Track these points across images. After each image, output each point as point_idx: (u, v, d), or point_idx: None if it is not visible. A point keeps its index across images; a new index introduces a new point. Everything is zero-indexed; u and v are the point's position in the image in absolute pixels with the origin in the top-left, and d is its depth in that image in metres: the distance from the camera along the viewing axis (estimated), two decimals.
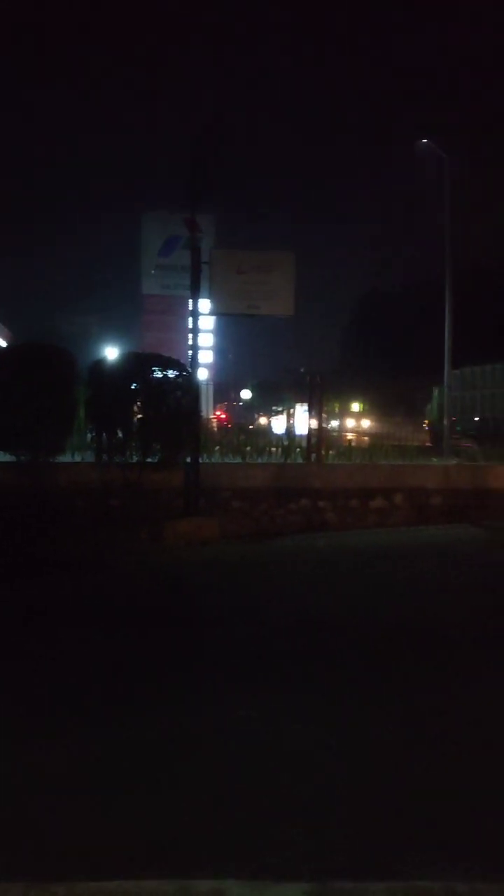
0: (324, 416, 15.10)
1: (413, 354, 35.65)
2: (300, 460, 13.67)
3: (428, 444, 16.09)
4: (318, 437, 13.63)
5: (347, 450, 14.61)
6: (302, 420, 14.70)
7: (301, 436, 14.73)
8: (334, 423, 19.91)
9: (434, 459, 14.22)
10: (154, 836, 3.21)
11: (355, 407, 47.57)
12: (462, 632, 6.52)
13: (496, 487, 13.29)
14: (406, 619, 6.98)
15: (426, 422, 21.14)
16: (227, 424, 24.85)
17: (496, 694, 5.03)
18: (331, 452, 14.12)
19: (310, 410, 13.83)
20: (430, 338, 16.56)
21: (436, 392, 20.41)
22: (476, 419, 15.69)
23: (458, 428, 19.16)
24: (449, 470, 13.53)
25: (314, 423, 13.73)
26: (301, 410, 15.12)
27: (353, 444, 14.80)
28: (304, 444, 13.93)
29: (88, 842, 3.16)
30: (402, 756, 4.08)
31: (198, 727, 4.42)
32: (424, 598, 7.83)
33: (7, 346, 23.71)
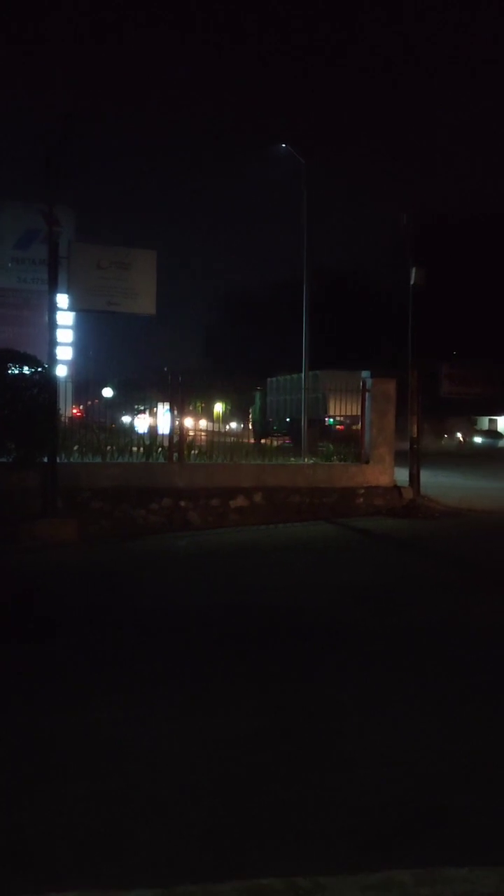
0: (187, 415, 15.07)
1: (275, 356, 36.36)
2: (162, 460, 13.59)
3: (251, 440, 17.22)
4: (180, 437, 13.60)
5: (209, 449, 14.67)
6: (165, 419, 14.60)
7: (164, 435, 14.64)
8: (204, 424, 20.27)
9: (292, 459, 14.54)
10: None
11: (218, 407, 47.86)
12: (317, 623, 6.72)
13: (349, 486, 13.79)
14: (264, 613, 7.09)
15: (250, 421, 22.80)
16: (85, 422, 24.32)
17: (347, 680, 5.21)
18: (193, 452, 14.12)
19: (171, 410, 13.77)
20: (290, 340, 17.01)
21: (257, 395, 22.29)
22: (287, 420, 17.87)
23: (275, 427, 20.84)
24: (306, 469, 13.90)
25: (176, 423, 13.69)
26: (164, 409, 14.99)
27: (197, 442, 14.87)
28: (165, 443, 13.85)
29: None
30: (253, 748, 4.12)
31: (53, 730, 4.28)
32: (282, 594, 7.99)
33: None
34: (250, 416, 21.15)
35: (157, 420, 17.45)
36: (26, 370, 11.46)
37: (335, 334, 34.52)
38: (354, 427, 14.74)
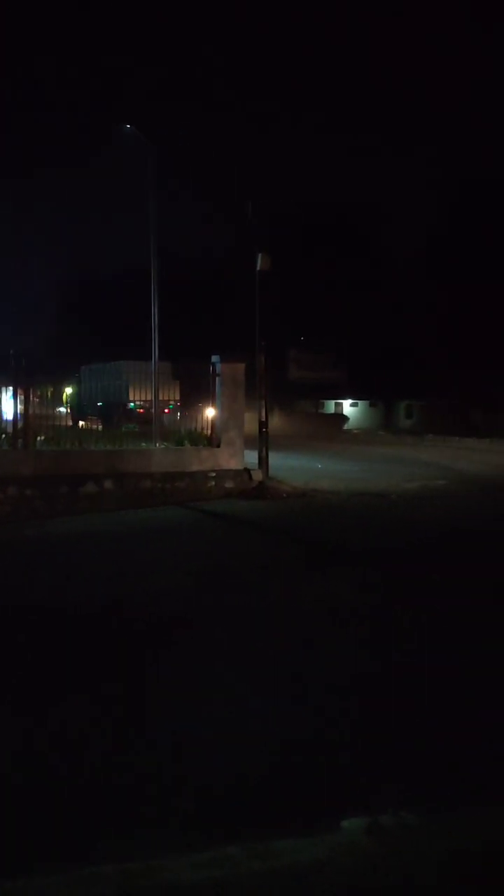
0: (35, 400, 14.58)
1: (128, 342, 35.85)
2: (6, 447, 13.09)
3: (69, 424, 18.34)
4: (25, 422, 13.16)
5: (56, 435, 14.28)
6: (8, 405, 14.04)
7: (7, 421, 14.09)
8: (62, 410, 20.14)
9: (143, 444, 14.45)
10: None
11: (69, 391, 46.53)
12: (170, 608, 6.75)
13: (201, 469, 13.90)
14: (114, 601, 7.03)
15: (67, 406, 23.46)
16: None
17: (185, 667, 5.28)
18: (39, 438, 13.69)
19: (15, 395, 13.27)
20: (144, 325, 16.90)
21: (74, 382, 23.01)
22: (99, 404, 19.16)
23: (88, 411, 21.84)
24: (157, 454, 13.85)
25: (21, 408, 13.22)
26: (8, 394, 14.42)
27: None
28: (9, 429, 13.35)
29: None
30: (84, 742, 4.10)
31: None
32: (130, 580, 7.96)
33: None
34: (66, 400, 21.80)
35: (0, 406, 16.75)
36: None
37: (188, 319, 34.53)
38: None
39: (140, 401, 17.43)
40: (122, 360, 20.73)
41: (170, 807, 3.32)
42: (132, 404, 18.63)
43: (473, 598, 7.00)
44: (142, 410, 17.15)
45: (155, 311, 15.46)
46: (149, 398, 15.63)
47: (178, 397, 19.08)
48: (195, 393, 15.83)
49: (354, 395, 43.33)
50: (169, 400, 17.91)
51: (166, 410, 17.20)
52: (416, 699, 4.63)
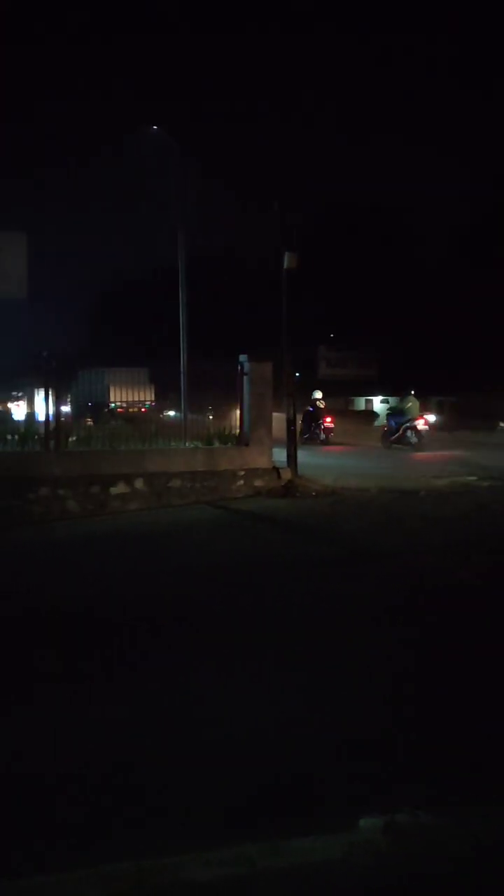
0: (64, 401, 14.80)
1: (155, 340, 36.07)
2: (38, 448, 13.27)
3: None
4: (57, 423, 13.32)
5: (87, 436, 14.43)
6: (40, 406, 14.25)
7: (39, 422, 14.28)
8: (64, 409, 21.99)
9: (172, 444, 14.55)
10: None
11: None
12: (196, 610, 6.81)
13: (229, 468, 13.96)
14: (147, 602, 7.12)
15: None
16: None
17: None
18: (71, 439, 13.85)
19: (46, 396, 13.44)
20: (170, 324, 17.13)
21: (73, 384, 24.70)
22: (90, 404, 21.66)
23: (83, 410, 23.71)
24: (186, 453, 13.94)
25: (52, 409, 13.39)
26: (41, 396, 14.67)
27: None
28: (41, 430, 13.53)
29: None
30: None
31: None
32: (165, 580, 8.04)
33: None
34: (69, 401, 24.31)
35: (34, 406, 16.97)
36: None
37: (214, 317, 34.65)
38: (132, 409, 19.93)
39: (119, 401, 21.11)
40: (104, 368, 24.96)
41: (185, 802, 3.37)
42: (112, 404, 21.52)
43: None
44: (121, 409, 20.73)
45: (183, 315, 15.58)
46: (125, 399, 20.18)
47: (153, 398, 22.25)
48: (167, 394, 19.15)
49: (385, 392, 43.15)
50: (145, 400, 21.45)
51: (143, 409, 20.72)
52: (447, 698, 4.61)
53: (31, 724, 4.33)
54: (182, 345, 15.45)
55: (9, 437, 13.82)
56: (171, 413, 16.80)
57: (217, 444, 14.38)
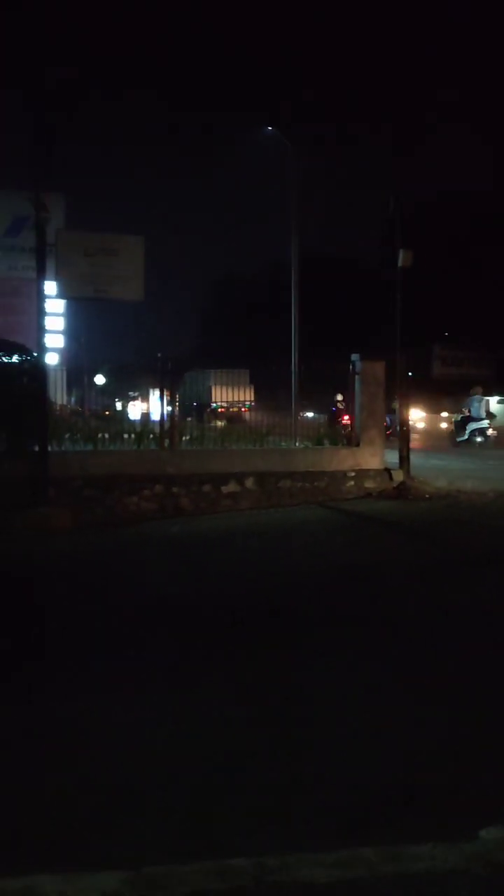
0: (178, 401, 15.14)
1: (266, 338, 36.34)
2: (153, 447, 13.63)
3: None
4: (171, 423, 13.64)
5: (200, 435, 14.71)
6: (155, 406, 14.67)
7: (155, 422, 14.67)
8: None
9: (283, 444, 14.61)
10: None
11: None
12: (312, 609, 6.81)
13: (340, 469, 13.87)
14: (260, 599, 7.19)
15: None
16: (77, 410, 25.12)
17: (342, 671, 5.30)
18: (184, 438, 14.16)
19: (161, 396, 13.79)
20: (281, 322, 17.27)
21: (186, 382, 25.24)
22: (194, 404, 21.89)
23: (187, 410, 24.40)
24: (297, 453, 13.96)
25: (167, 409, 13.73)
26: (156, 396, 15.12)
27: None
28: (157, 430, 13.89)
29: None
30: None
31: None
32: (279, 579, 8.08)
33: None
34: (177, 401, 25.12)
35: (149, 406, 17.48)
36: (15, 359, 11.48)
37: (324, 315, 34.51)
38: (233, 409, 20.44)
39: (224, 402, 21.32)
40: (209, 370, 25.23)
41: (304, 804, 3.37)
42: (214, 405, 22.01)
43: None
44: (222, 409, 21.22)
45: (295, 309, 15.62)
46: (227, 399, 20.56)
47: (253, 398, 22.61)
48: (269, 395, 19.12)
49: (502, 392, 41.63)
50: (245, 400, 21.66)
51: (244, 409, 21.00)
52: None
53: (149, 712, 4.45)
54: (293, 344, 15.52)
55: (125, 435, 14.27)
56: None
57: (327, 445, 14.33)
